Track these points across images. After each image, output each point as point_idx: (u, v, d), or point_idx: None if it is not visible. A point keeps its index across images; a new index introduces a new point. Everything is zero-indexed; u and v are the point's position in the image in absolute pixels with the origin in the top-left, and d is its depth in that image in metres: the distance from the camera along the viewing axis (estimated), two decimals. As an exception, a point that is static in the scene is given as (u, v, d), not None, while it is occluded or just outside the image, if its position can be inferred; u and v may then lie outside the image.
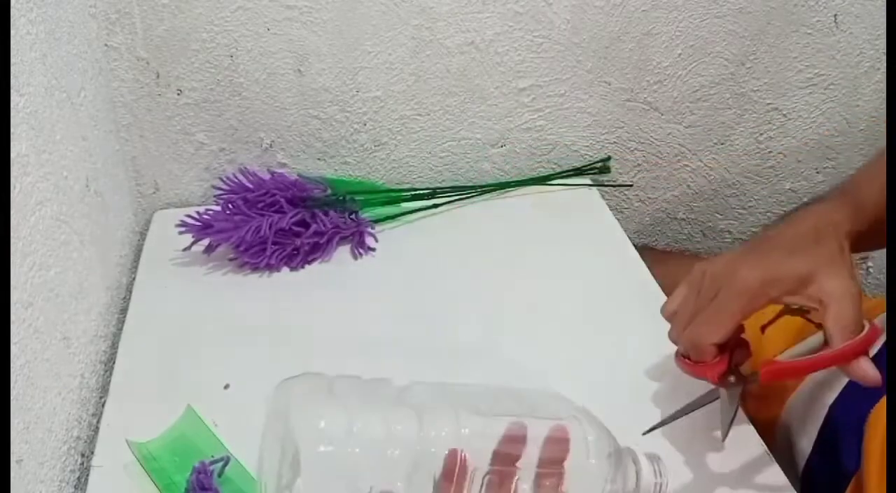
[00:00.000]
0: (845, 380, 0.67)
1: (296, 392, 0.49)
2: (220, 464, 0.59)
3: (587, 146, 1.01)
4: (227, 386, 0.69)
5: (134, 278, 0.83)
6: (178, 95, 0.88)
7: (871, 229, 0.62)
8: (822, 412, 0.67)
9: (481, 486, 0.47)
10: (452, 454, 0.47)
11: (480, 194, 0.96)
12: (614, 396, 0.67)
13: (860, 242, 0.61)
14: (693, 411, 0.59)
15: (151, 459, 0.61)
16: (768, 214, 1.12)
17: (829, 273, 0.56)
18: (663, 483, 0.50)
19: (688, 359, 0.59)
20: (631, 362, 0.72)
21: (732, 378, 0.58)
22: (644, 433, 0.54)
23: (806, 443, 0.68)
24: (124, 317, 0.77)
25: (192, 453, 0.61)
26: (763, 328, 0.75)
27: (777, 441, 0.72)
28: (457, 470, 0.47)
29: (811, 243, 0.59)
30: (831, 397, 0.67)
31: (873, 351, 0.59)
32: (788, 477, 0.62)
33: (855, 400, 0.65)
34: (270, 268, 0.83)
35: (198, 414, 0.64)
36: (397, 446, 0.47)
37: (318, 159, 0.95)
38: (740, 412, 0.66)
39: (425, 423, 0.48)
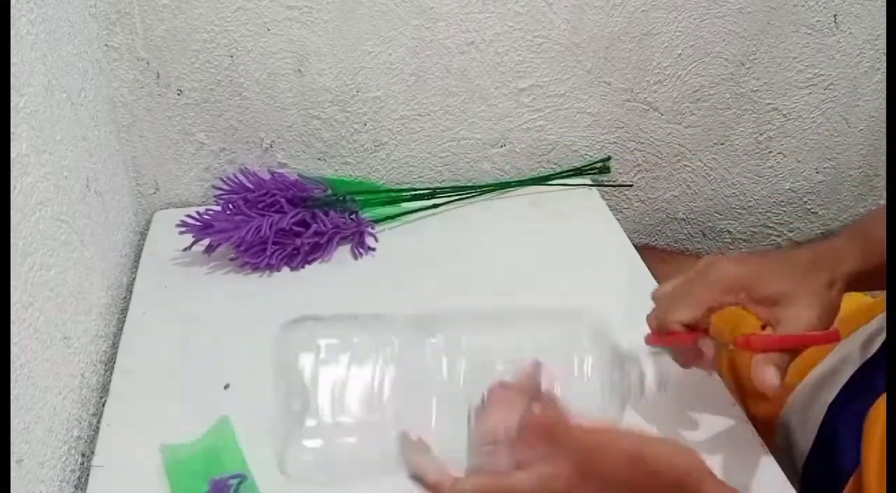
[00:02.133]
0: (845, 379, 0.68)
1: (299, 329, 0.51)
2: (237, 481, 0.58)
3: (587, 146, 1.01)
4: (227, 386, 0.69)
5: (134, 278, 0.83)
6: (179, 95, 0.88)
7: (881, 268, 0.62)
8: (822, 411, 0.68)
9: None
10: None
11: (480, 194, 0.96)
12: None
13: (870, 281, 0.61)
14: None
15: (179, 463, 0.60)
16: (768, 214, 1.12)
17: (800, 303, 0.57)
18: (666, 382, 0.52)
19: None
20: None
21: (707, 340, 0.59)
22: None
23: (805, 441, 0.68)
24: (124, 317, 0.77)
25: (217, 465, 0.60)
26: (764, 327, 0.75)
27: (777, 440, 0.72)
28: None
29: (801, 272, 0.59)
30: (830, 395, 0.68)
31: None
32: (788, 475, 0.62)
33: (854, 399, 0.65)
34: (271, 268, 0.83)
35: (230, 425, 0.63)
36: (394, 367, 0.48)
37: (319, 159, 0.95)
38: (741, 412, 0.66)
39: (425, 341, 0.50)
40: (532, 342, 0.51)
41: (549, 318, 0.53)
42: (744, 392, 0.75)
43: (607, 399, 0.51)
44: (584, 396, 0.50)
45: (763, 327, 0.74)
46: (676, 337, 0.58)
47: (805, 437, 0.69)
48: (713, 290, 0.58)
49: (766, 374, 0.55)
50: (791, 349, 0.57)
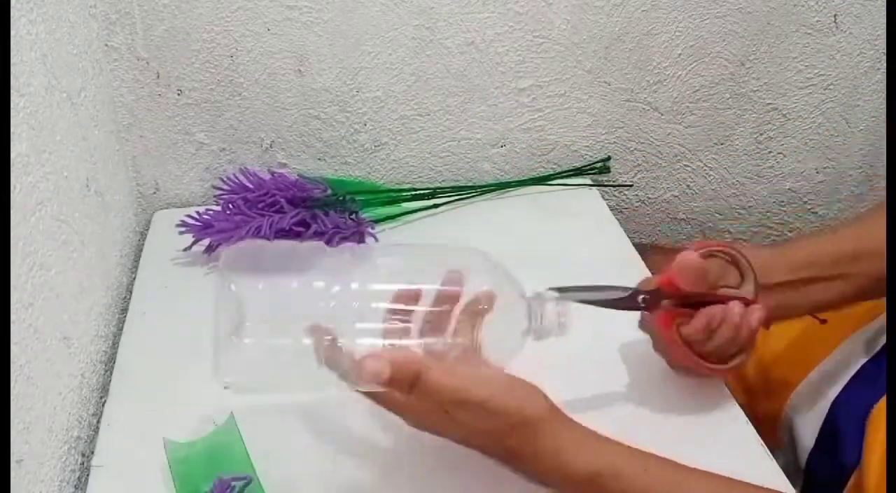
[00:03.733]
0: (849, 376, 0.68)
1: (236, 253, 0.55)
2: (242, 482, 0.58)
3: (587, 146, 1.01)
4: (227, 386, 0.68)
5: (134, 278, 0.83)
6: (179, 95, 0.88)
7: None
8: (825, 408, 0.68)
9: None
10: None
11: (480, 194, 0.96)
12: (611, 395, 0.68)
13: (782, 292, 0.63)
14: (603, 298, 0.61)
15: (182, 461, 0.60)
16: (768, 214, 1.12)
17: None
18: (565, 319, 0.56)
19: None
20: (629, 362, 0.72)
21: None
22: (552, 288, 0.58)
23: (809, 437, 0.69)
24: (124, 317, 0.77)
25: (222, 463, 0.60)
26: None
27: (779, 435, 0.72)
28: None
29: None
30: (834, 392, 0.68)
31: None
32: (791, 471, 0.62)
33: (858, 396, 0.65)
34: (270, 268, 0.83)
35: (236, 424, 0.63)
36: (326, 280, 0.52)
37: (318, 159, 0.95)
38: (741, 412, 0.66)
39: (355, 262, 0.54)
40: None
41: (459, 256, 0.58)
42: (748, 391, 0.75)
43: (509, 335, 0.56)
44: (489, 331, 0.55)
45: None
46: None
47: (808, 433, 0.69)
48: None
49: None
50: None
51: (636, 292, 0.59)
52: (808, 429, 0.69)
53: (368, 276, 0.54)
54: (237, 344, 0.51)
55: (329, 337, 0.51)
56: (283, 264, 0.55)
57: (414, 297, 0.55)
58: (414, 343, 0.55)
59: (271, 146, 0.94)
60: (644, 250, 0.88)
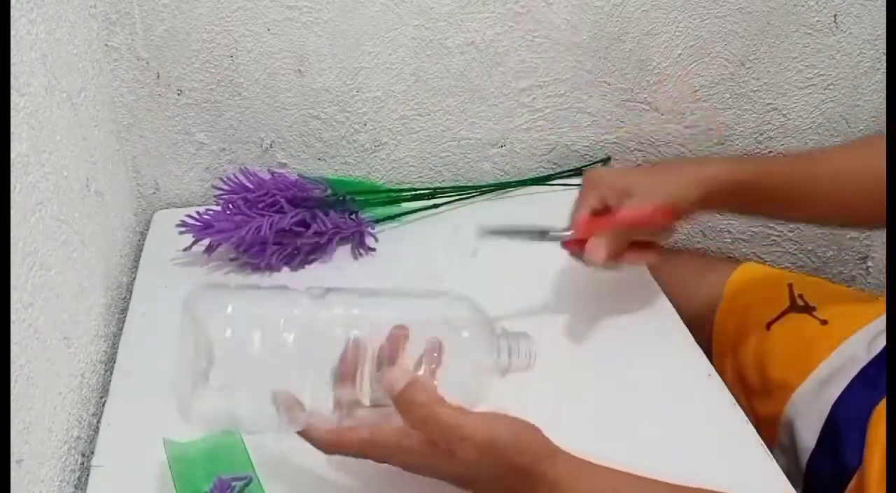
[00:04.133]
0: (850, 377, 0.68)
1: (205, 294, 0.55)
2: (242, 482, 0.58)
3: (587, 146, 1.01)
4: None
5: (134, 278, 0.83)
6: (179, 95, 0.88)
7: (750, 184, 0.67)
8: (826, 409, 0.68)
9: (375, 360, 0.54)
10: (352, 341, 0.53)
11: (480, 194, 0.96)
12: (611, 396, 0.67)
13: (737, 194, 0.67)
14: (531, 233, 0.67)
15: (182, 461, 0.60)
16: (768, 214, 1.12)
17: (642, 192, 0.65)
18: (532, 357, 0.58)
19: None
20: (628, 363, 0.72)
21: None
22: (486, 231, 0.65)
23: (809, 439, 0.69)
24: (124, 317, 0.77)
25: (222, 464, 0.60)
26: (769, 325, 0.76)
27: (780, 437, 0.72)
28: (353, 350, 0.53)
29: (658, 170, 0.70)
30: (835, 393, 0.68)
31: None
32: (791, 473, 0.62)
33: (859, 398, 0.65)
34: (270, 268, 0.83)
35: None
36: (293, 328, 0.52)
37: (318, 159, 0.95)
38: (741, 412, 0.66)
39: (320, 306, 0.54)
40: (417, 316, 0.57)
41: (433, 298, 0.59)
42: (748, 391, 0.75)
43: (478, 371, 0.56)
44: (457, 368, 0.55)
45: (768, 326, 0.75)
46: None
47: (809, 435, 0.69)
48: (583, 190, 0.68)
49: (592, 248, 0.63)
50: (620, 229, 0.65)
51: (553, 232, 0.66)
52: (808, 430, 0.69)
53: (327, 324, 0.54)
54: (204, 393, 0.52)
55: (287, 405, 0.52)
56: (249, 305, 0.55)
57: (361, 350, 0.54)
58: (363, 406, 0.54)
59: (271, 146, 0.94)
60: None
